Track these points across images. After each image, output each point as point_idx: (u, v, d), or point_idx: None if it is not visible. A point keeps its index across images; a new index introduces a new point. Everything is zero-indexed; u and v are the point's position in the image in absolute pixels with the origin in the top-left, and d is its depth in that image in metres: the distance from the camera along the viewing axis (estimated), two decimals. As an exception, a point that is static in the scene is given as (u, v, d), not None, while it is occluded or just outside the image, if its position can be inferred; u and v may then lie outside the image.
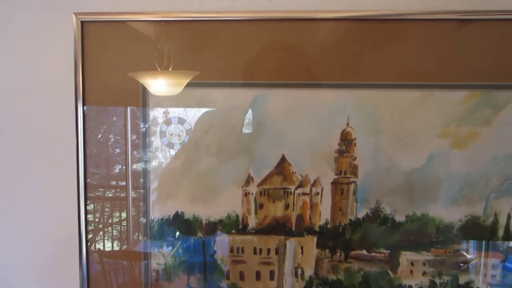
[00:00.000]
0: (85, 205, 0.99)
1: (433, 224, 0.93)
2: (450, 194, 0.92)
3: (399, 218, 0.93)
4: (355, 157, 0.92)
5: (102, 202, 1.01)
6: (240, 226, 0.96)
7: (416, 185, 0.92)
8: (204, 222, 0.97)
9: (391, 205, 0.93)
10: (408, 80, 0.91)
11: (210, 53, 0.93)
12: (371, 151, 0.92)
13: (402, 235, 0.93)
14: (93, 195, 1.00)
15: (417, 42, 0.90)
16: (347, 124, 0.92)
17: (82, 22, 0.94)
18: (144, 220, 0.97)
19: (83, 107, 0.96)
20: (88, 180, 0.99)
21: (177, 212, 0.97)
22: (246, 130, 0.94)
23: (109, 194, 1.01)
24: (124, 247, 1.02)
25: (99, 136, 0.94)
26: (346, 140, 0.92)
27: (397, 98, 0.91)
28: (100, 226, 1.02)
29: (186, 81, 0.93)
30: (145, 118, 0.96)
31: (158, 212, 0.98)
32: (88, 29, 0.94)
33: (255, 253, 0.96)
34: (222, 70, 0.94)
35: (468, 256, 0.94)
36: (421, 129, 0.91)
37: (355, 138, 0.92)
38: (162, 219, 0.98)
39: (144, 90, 0.95)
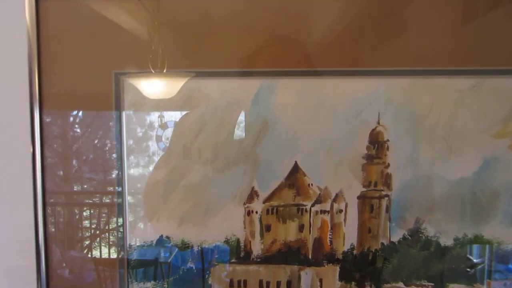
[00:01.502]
0: (44, 224, 0.86)
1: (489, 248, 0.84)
2: (510, 209, 0.81)
3: (446, 241, 0.83)
4: (388, 164, 0.82)
5: (98, 208, 0.93)
6: (242, 254, 0.86)
7: (467, 199, 0.82)
8: (196, 249, 0.85)
9: (435, 224, 0.83)
10: (454, 65, 0.79)
11: (200, 35, 0.81)
12: (408, 156, 0.82)
13: (449, 263, 0.83)
14: (90, 201, 0.92)
15: (462, 16, 0.78)
16: (378, 122, 0.82)
17: (37, 0, 0.82)
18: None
19: (40, 112, 0.84)
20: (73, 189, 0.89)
21: (161, 236, 0.86)
22: (248, 131, 0.83)
23: (106, 200, 0.93)
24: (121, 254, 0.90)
25: (96, 142, 0.90)
26: (377, 142, 0.82)
27: (441, 88, 0.80)
28: (98, 232, 0.94)
29: (181, 82, 0.82)
30: (120, 122, 0.85)
31: (136, 236, 0.86)
32: (45, 10, 0.82)
33: (261, 287, 0.86)
34: (216, 56, 0.82)
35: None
36: (472, 127, 0.80)
37: (387, 140, 0.82)
38: (143, 245, 0.86)
39: (118, 90, 0.84)
